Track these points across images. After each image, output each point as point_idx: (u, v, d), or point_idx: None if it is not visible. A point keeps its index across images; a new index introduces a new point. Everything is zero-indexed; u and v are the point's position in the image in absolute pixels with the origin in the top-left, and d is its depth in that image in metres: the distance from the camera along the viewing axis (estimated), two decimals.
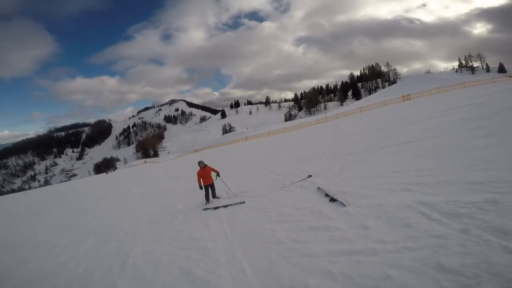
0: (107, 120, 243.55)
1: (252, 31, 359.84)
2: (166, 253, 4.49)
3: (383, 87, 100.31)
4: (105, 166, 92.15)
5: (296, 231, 4.05)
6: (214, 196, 7.49)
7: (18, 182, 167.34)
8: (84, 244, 6.23)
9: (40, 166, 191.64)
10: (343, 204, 4.57)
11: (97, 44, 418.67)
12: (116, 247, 5.49)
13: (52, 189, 35.30)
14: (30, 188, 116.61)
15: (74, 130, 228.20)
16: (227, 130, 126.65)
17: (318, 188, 5.90)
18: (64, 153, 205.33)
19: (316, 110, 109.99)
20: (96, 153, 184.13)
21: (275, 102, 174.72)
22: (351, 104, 77.90)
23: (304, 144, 15.99)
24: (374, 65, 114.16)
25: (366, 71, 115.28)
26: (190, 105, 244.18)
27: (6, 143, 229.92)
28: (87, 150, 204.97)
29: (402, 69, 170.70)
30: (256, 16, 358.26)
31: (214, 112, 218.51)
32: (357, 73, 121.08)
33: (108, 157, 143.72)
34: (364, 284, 2.61)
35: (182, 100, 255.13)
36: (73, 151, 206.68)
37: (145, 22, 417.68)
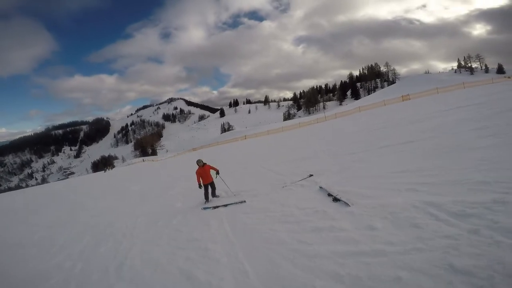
0: (105, 118, 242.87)
1: (251, 30, 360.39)
2: (165, 254, 4.37)
3: (382, 87, 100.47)
4: (103, 164, 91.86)
5: (299, 232, 3.94)
6: (214, 194, 7.38)
7: (15, 180, 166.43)
8: (80, 244, 6.10)
9: (37, 164, 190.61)
10: (346, 204, 4.47)
11: (96, 42, 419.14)
12: (114, 247, 5.37)
13: (49, 187, 35.00)
14: (27, 186, 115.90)
15: (72, 128, 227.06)
16: (225, 129, 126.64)
17: (320, 187, 5.80)
18: (62, 151, 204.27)
19: (315, 110, 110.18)
20: (94, 151, 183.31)
21: (274, 101, 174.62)
22: (350, 104, 77.91)
23: (303, 143, 15.89)
24: (374, 65, 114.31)
25: (365, 71, 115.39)
26: (189, 103, 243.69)
27: (3, 141, 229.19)
28: (85, 148, 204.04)
29: (401, 69, 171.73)
30: (256, 15, 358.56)
31: (213, 110, 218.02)
32: (356, 73, 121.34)
33: (106, 155, 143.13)
34: (374, 287, 2.52)
35: (180, 98, 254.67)
36: (70, 149, 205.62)
37: (144, 20, 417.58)
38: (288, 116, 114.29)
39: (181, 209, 7.26)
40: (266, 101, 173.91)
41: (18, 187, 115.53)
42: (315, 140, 15.97)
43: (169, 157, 59.92)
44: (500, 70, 75.77)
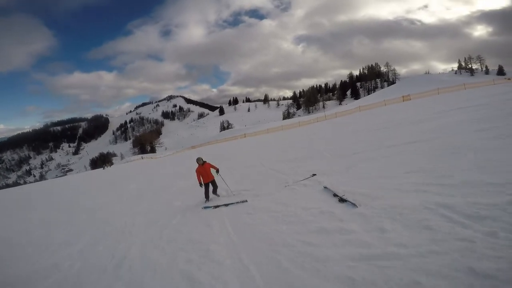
0: (104, 115, 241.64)
1: (252, 28, 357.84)
2: (165, 254, 4.20)
3: (382, 87, 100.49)
4: (102, 161, 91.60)
5: (306, 233, 3.78)
6: (214, 192, 7.21)
7: (13, 177, 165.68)
8: (78, 243, 5.93)
9: (35, 161, 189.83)
10: (354, 205, 4.32)
11: (95, 39, 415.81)
12: (112, 246, 5.19)
13: (47, 184, 34.80)
14: (25, 183, 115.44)
15: (71, 124, 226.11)
16: (225, 127, 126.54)
17: (325, 187, 5.65)
18: (60, 147, 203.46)
19: (315, 109, 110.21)
20: (93, 148, 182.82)
21: (274, 100, 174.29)
22: (350, 104, 77.86)
23: (304, 143, 15.75)
24: (374, 65, 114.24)
25: (366, 71, 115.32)
26: (188, 101, 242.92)
27: (1, 137, 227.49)
28: (84, 145, 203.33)
29: (401, 70, 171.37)
30: (256, 13, 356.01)
31: (212, 108, 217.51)
32: (356, 72, 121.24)
33: (105, 152, 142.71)
34: None
35: (180, 96, 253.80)
36: (69, 146, 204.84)
37: (145, 17, 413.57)
38: (287, 115, 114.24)
39: (180, 208, 7.10)
40: (266, 100, 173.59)
41: (16, 184, 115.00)
42: (316, 139, 15.84)
43: (168, 154, 59.73)
44: (501, 72, 75.89)
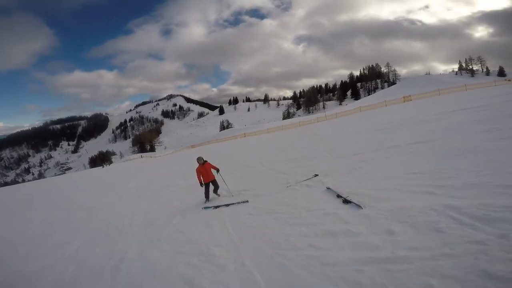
0: (104, 114, 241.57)
1: (252, 28, 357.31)
2: (165, 257, 4.05)
3: (383, 87, 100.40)
4: (101, 160, 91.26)
5: (311, 236, 3.64)
6: (215, 192, 7.07)
7: (11, 175, 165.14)
8: (74, 243, 5.77)
9: (34, 159, 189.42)
10: (359, 207, 4.18)
11: (96, 38, 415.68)
12: (109, 247, 5.04)
13: (45, 182, 34.62)
14: (23, 181, 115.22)
15: (70, 123, 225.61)
16: (225, 126, 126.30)
17: (328, 188, 5.51)
18: (60, 146, 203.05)
19: (315, 109, 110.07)
20: (92, 147, 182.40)
21: (274, 99, 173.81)
22: (350, 104, 77.77)
23: (304, 143, 15.62)
24: (374, 65, 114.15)
25: (366, 71, 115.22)
26: (188, 100, 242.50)
27: (1, 135, 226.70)
28: (83, 143, 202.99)
29: (401, 70, 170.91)
30: (257, 13, 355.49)
31: (212, 108, 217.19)
32: (356, 73, 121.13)
33: (104, 150, 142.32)
34: None
35: (180, 95, 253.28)
36: (68, 144, 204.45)
37: (145, 16, 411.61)
38: (287, 115, 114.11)
39: (180, 208, 6.97)
40: (266, 100, 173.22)
41: (14, 182, 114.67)
42: (316, 140, 15.69)
43: (167, 153, 59.56)
44: (501, 73, 75.82)
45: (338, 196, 4.86)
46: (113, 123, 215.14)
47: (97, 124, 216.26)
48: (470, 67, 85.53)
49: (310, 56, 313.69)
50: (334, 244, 3.30)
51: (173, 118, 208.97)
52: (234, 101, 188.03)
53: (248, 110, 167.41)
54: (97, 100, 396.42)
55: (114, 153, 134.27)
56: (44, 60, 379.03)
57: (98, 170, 42.92)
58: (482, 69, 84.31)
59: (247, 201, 6.10)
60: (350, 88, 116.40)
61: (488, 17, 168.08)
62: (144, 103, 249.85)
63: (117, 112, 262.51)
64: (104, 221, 7.25)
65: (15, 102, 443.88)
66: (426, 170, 5.19)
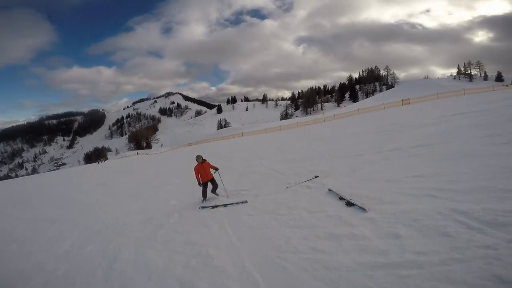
0: (101, 110, 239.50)
1: (253, 28, 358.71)
2: (161, 258, 3.87)
3: (381, 90, 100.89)
4: (96, 156, 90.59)
5: (314, 239, 3.51)
6: (214, 191, 6.89)
7: (4, 170, 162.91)
8: (66, 241, 5.57)
9: (28, 154, 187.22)
10: (363, 209, 4.07)
11: (96, 35, 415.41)
12: (102, 246, 4.85)
13: (38, 178, 34.12)
14: (17, 176, 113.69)
15: (67, 118, 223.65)
16: (222, 125, 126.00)
17: (329, 190, 5.39)
18: (55, 141, 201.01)
19: (313, 110, 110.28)
20: (88, 142, 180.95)
21: (272, 100, 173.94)
22: (348, 106, 78.04)
23: (304, 143, 15.51)
24: (373, 68, 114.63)
25: (365, 74, 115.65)
26: (186, 98, 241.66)
27: None
28: (79, 139, 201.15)
29: (400, 74, 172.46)
30: (258, 13, 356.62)
31: (210, 106, 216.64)
32: (355, 75, 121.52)
33: (100, 146, 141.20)
34: None
35: (178, 93, 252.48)
36: (63, 140, 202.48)
37: (146, 14, 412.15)
38: (285, 116, 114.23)
39: (176, 206, 6.80)
40: (264, 100, 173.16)
41: (7, 177, 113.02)
42: (315, 140, 15.59)
43: (163, 151, 59.17)
44: (499, 78, 76.41)
45: (341, 198, 4.74)
46: (110, 120, 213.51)
47: (93, 120, 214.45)
48: (469, 71, 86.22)
49: (309, 57, 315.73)
50: (338, 248, 3.19)
51: (170, 115, 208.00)
52: (233, 100, 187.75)
53: (246, 109, 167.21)
54: (95, 96, 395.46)
55: (109, 150, 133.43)
56: (43, 55, 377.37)
57: (93, 166, 42.41)
58: (480, 74, 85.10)
59: (246, 202, 5.96)
60: (349, 90, 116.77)
61: (489, 22, 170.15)
62: (141, 100, 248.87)
63: (114, 109, 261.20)
64: (98, 218, 7.06)
65: (12, 97, 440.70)
66: (427, 174, 5.14)
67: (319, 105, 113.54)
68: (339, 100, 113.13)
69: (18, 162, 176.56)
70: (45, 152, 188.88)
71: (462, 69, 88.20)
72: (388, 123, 15.11)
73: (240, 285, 2.89)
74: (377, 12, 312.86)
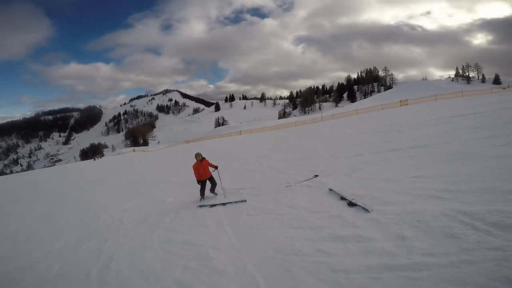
0: (98, 106, 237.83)
1: (253, 27, 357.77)
2: (158, 260, 3.73)
3: (379, 91, 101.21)
4: (92, 152, 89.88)
5: (318, 240, 3.41)
6: (212, 190, 6.75)
7: None
8: (60, 239, 5.38)
9: (24, 150, 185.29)
10: (365, 210, 3.98)
11: (95, 31, 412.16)
12: (97, 245, 4.69)
13: (33, 174, 33.69)
14: (11, 172, 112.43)
15: (63, 114, 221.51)
16: (220, 123, 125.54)
17: (330, 189, 5.30)
18: (50, 137, 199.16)
19: (311, 110, 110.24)
20: (84, 139, 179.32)
21: (270, 98, 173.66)
22: (346, 106, 78.17)
23: (302, 142, 15.41)
24: (372, 69, 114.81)
25: (363, 74, 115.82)
26: (184, 96, 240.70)
27: None
28: (75, 135, 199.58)
29: (398, 75, 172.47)
30: (258, 12, 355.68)
31: (208, 104, 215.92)
32: (354, 75, 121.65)
33: (96, 143, 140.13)
34: None
35: (176, 90, 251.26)
36: (59, 136, 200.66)
37: (146, 11, 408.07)
38: (283, 115, 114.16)
39: (173, 205, 6.67)
40: (262, 98, 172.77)
41: (1, 173, 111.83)
42: (314, 140, 15.49)
43: (160, 148, 58.84)
44: (497, 81, 76.99)
45: (342, 198, 4.65)
46: (107, 116, 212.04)
47: (90, 116, 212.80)
48: (467, 74, 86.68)
49: (308, 57, 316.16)
50: (344, 249, 3.09)
51: (168, 113, 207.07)
52: (231, 99, 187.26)
53: (244, 108, 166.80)
54: (92, 92, 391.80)
55: (106, 146, 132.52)
56: (41, 51, 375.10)
57: (89, 162, 42.02)
58: (478, 76, 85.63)
59: (245, 201, 5.85)
60: (347, 91, 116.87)
61: (489, 25, 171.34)
62: (139, 97, 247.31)
63: (111, 105, 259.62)
64: (93, 216, 6.90)
65: (8, 92, 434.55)
66: (428, 174, 5.11)
67: (317, 104, 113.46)
68: (337, 100, 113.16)
69: (13, 158, 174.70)
70: (40, 148, 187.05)
71: (460, 71, 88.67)
72: (387, 124, 15.07)
73: None
74: (378, 13, 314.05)
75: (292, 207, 4.81)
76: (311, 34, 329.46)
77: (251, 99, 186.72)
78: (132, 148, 75.04)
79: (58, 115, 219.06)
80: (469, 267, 2.41)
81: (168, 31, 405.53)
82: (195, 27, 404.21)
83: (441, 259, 2.60)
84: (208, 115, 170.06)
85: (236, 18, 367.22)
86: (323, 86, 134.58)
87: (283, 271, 2.90)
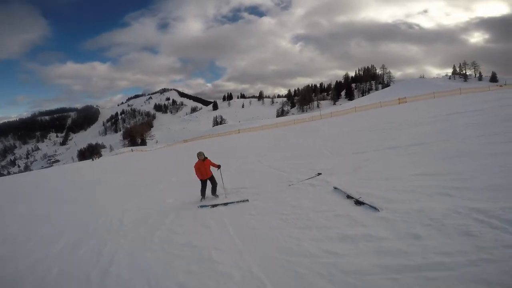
0: (95, 106, 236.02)
1: (251, 25, 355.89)
2: (159, 262, 3.59)
3: (377, 89, 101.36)
4: (90, 152, 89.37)
5: (326, 241, 3.29)
6: (213, 192, 6.53)
7: None
8: (59, 241, 5.22)
9: (21, 151, 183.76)
10: (374, 209, 3.87)
11: (91, 30, 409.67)
12: (97, 247, 4.54)
13: (31, 175, 33.38)
14: (9, 173, 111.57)
15: (60, 114, 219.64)
16: (218, 122, 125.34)
17: (335, 188, 5.19)
18: (48, 137, 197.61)
19: (309, 108, 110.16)
20: (81, 139, 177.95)
21: (268, 97, 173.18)
22: (344, 104, 78.17)
23: (301, 140, 15.30)
24: (370, 67, 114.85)
25: (361, 73, 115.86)
26: (182, 95, 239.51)
27: None
28: (72, 135, 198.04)
29: (396, 73, 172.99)
30: (256, 10, 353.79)
31: (206, 103, 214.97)
32: (352, 74, 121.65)
33: (94, 143, 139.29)
34: None
35: (173, 89, 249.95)
36: (57, 136, 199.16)
37: (143, 10, 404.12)
38: (281, 113, 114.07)
39: (173, 205, 6.51)
40: (261, 97, 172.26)
41: None
42: (314, 138, 15.37)
43: (158, 147, 58.56)
44: (493, 79, 77.13)
45: (348, 196, 4.54)
46: (104, 116, 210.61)
47: (87, 116, 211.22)
48: (464, 72, 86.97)
49: (306, 55, 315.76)
50: (354, 250, 2.98)
51: (165, 112, 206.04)
52: (229, 97, 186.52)
53: (242, 106, 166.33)
54: (89, 92, 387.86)
55: (104, 146, 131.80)
56: (37, 50, 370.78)
57: (87, 163, 41.71)
58: (475, 74, 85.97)
59: (247, 200, 5.71)
60: (345, 89, 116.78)
61: (486, 23, 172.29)
62: (136, 96, 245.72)
63: (108, 105, 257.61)
64: (92, 217, 6.74)
65: (4, 93, 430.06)
66: (428, 172, 5.07)
67: (315, 102, 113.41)
68: (335, 98, 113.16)
69: (10, 159, 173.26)
70: (37, 148, 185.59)
71: (458, 69, 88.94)
72: (385, 122, 15.04)
73: None
74: (375, 11, 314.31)
75: (296, 206, 4.69)
76: (309, 33, 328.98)
77: (249, 97, 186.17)
78: (130, 148, 74.62)
79: (55, 115, 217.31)
80: (490, 266, 2.33)
81: (165, 30, 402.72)
82: (192, 26, 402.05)
83: (459, 258, 2.51)
84: (206, 114, 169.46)
85: (234, 16, 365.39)
86: (321, 84, 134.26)
87: (292, 274, 2.77)
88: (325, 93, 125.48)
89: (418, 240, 2.92)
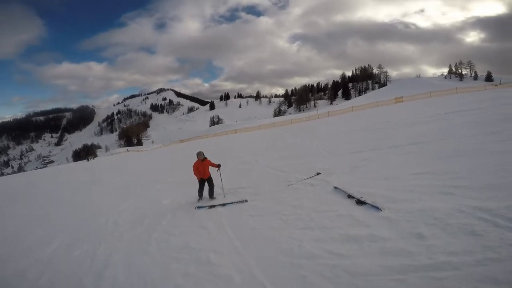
0: (90, 106, 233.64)
1: (248, 25, 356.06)
2: (156, 265, 3.46)
3: (373, 88, 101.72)
4: (85, 153, 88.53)
5: (329, 241, 3.21)
6: (211, 195, 6.34)
7: None
8: (52, 244, 5.04)
9: (15, 151, 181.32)
10: (376, 208, 3.79)
11: (88, 30, 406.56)
12: (91, 250, 4.38)
13: (25, 176, 32.89)
14: (2, 174, 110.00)
15: (55, 114, 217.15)
16: (215, 122, 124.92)
17: (335, 187, 5.11)
18: (42, 138, 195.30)
19: (306, 108, 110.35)
20: (76, 139, 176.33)
21: (266, 97, 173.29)
22: (341, 104, 78.30)
23: (299, 140, 15.26)
24: (366, 66, 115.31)
25: (358, 72, 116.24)
26: (179, 95, 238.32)
27: None
28: (67, 136, 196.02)
29: (392, 72, 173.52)
30: (253, 10, 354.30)
31: (202, 103, 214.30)
32: (348, 73, 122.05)
33: (89, 143, 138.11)
34: None
35: (170, 89, 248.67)
36: (51, 137, 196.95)
37: (140, 10, 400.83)
38: (278, 113, 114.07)
39: (170, 206, 6.37)
40: (258, 96, 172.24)
41: None
42: (311, 137, 15.33)
43: (155, 148, 58.17)
44: (489, 78, 77.98)
45: (349, 196, 4.47)
46: (100, 116, 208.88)
47: (82, 117, 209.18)
48: (460, 71, 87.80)
49: (303, 55, 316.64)
50: (359, 251, 2.90)
51: (162, 112, 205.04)
52: (226, 97, 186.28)
53: (240, 106, 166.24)
54: (85, 92, 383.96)
55: (99, 147, 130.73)
56: (32, 50, 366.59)
57: (82, 163, 41.23)
58: (471, 74, 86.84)
59: (246, 201, 5.61)
60: (341, 88, 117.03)
61: (482, 23, 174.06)
62: (132, 96, 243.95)
63: (104, 105, 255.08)
64: (86, 218, 6.58)
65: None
66: (426, 171, 5.06)
67: (312, 102, 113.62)
68: (332, 97, 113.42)
69: (4, 160, 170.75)
70: (32, 149, 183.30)
71: (453, 69, 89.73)
72: (382, 121, 15.07)
73: None
74: (372, 11, 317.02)
75: (297, 206, 4.61)
76: (306, 32, 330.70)
77: (246, 97, 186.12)
78: (126, 148, 73.99)
79: (50, 116, 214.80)
80: (497, 265, 2.30)
81: (162, 30, 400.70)
82: (189, 26, 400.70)
83: (466, 258, 2.48)
84: (203, 113, 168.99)
85: (231, 16, 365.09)
86: (318, 84, 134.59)
87: (295, 277, 2.68)
88: (322, 93, 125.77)
89: (423, 240, 2.87)
